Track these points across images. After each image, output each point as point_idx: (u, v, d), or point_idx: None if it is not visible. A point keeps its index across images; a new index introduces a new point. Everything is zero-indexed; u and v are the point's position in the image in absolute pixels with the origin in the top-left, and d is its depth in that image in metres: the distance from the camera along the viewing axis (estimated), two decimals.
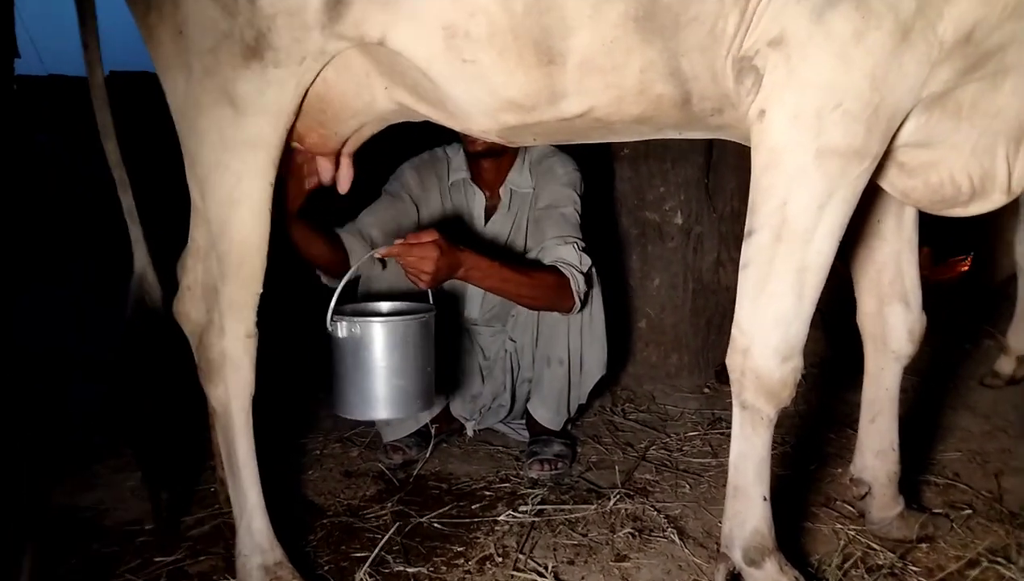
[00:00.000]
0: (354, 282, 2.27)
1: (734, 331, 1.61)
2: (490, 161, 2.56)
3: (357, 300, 2.32)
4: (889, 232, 1.89)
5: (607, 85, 1.56)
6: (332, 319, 1.92)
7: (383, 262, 2.41)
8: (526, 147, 2.57)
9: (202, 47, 1.59)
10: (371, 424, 2.68)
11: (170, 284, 1.97)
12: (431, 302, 2.13)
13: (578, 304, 2.35)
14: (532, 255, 2.48)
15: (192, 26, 1.58)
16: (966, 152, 1.59)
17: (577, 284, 2.32)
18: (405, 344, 1.94)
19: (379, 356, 1.92)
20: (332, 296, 1.93)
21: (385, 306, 2.15)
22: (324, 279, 2.35)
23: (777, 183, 1.48)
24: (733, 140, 1.78)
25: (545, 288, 2.30)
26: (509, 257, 2.38)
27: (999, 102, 1.54)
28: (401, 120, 1.89)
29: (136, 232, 1.91)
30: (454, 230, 2.59)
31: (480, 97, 1.63)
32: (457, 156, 2.66)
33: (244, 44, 1.56)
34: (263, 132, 1.64)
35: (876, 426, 2.01)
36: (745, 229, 1.55)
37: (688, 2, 1.43)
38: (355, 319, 1.93)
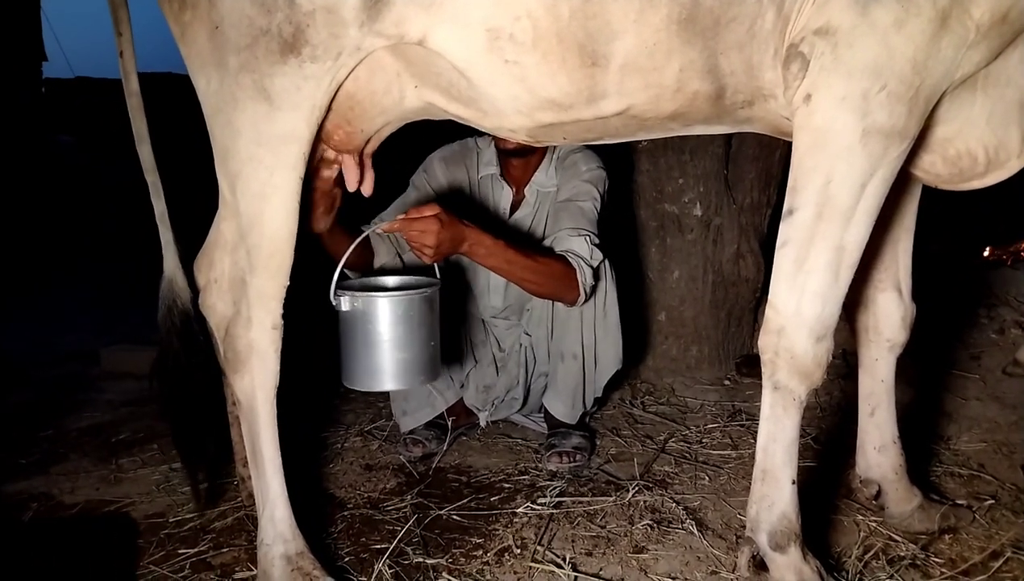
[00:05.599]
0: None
1: (768, 312, 1.61)
2: (520, 159, 2.57)
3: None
4: (887, 219, 1.88)
5: (647, 85, 1.59)
6: (336, 293, 1.94)
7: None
8: (554, 146, 2.58)
9: (239, 43, 1.61)
10: (390, 418, 2.70)
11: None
12: (438, 277, 2.14)
13: (583, 296, 2.34)
14: (546, 244, 2.47)
15: (228, 23, 1.61)
16: (981, 123, 1.63)
17: (584, 276, 2.31)
18: (408, 318, 1.95)
19: (383, 330, 1.93)
20: (346, 271, 1.95)
21: (392, 280, 2.16)
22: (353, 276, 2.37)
23: (822, 163, 1.51)
24: (756, 132, 1.80)
25: (550, 276, 2.29)
26: (518, 240, 2.37)
27: (1009, 71, 1.58)
28: (424, 118, 1.90)
29: (167, 236, 1.95)
30: (478, 221, 2.59)
31: (518, 96, 1.65)
32: (488, 149, 2.66)
33: (282, 40, 1.58)
34: (297, 127, 1.66)
35: (875, 420, 2.00)
36: (784, 209, 1.57)
37: (728, 4, 1.48)
38: (358, 294, 1.95)
